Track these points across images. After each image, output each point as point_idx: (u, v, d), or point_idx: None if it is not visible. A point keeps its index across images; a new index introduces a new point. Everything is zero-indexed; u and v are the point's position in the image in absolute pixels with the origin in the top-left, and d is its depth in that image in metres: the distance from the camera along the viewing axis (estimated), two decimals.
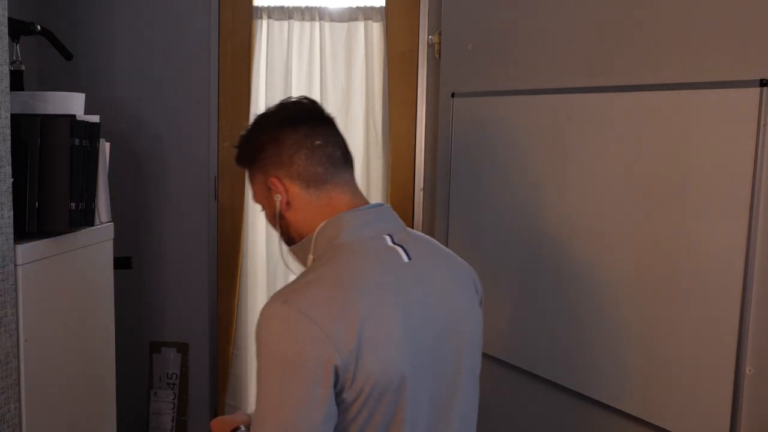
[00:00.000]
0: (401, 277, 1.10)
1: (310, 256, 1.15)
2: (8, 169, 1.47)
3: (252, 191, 1.24)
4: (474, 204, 2.09)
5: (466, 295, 1.21)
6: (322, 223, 1.14)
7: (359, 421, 1.03)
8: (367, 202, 1.19)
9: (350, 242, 1.11)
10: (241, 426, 1.25)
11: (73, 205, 1.64)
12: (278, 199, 1.16)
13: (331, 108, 2.55)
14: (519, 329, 1.94)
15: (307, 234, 1.16)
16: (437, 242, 1.25)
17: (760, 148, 1.40)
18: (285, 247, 1.23)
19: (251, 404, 2.68)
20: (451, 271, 1.21)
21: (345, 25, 2.56)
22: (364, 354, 1.00)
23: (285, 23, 2.56)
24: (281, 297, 1.03)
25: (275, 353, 0.99)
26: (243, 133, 1.23)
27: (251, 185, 1.23)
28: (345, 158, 1.20)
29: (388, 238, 1.14)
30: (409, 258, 1.13)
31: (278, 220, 1.18)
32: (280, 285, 2.59)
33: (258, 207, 1.25)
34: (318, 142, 1.16)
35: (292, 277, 1.11)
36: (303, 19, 2.57)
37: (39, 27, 1.93)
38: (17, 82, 1.84)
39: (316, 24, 2.56)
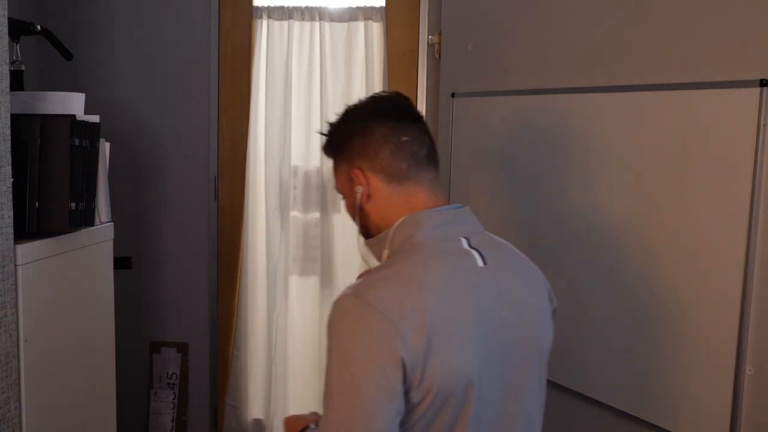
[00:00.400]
0: (474, 281, 1.09)
1: (386, 251, 1.16)
2: (8, 169, 1.47)
3: (335, 180, 1.25)
4: (474, 204, 2.07)
5: (539, 304, 1.20)
6: (400, 220, 1.15)
7: (423, 423, 1.03)
8: (446, 203, 1.20)
9: (426, 242, 1.11)
10: (311, 424, 1.25)
11: (73, 205, 1.64)
12: (359, 190, 1.17)
13: (331, 108, 2.57)
14: None
15: (385, 228, 1.17)
16: (514, 248, 1.24)
17: (760, 148, 1.40)
18: (362, 240, 1.24)
19: (251, 404, 2.68)
20: (527, 278, 1.20)
21: (345, 25, 2.56)
22: (432, 355, 1.00)
23: (285, 23, 2.56)
24: (354, 291, 1.04)
25: (346, 348, 1.00)
26: (331, 122, 1.24)
27: (335, 174, 1.24)
28: (429, 157, 1.22)
29: (464, 241, 1.14)
30: (485, 263, 1.12)
31: (358, 212, 1.20)
32: (280, 285, 2.59)
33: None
34: (405, 139, 1.18)
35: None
36: (303, 19, 2.57)
37: (39, 27, 1.93)
38: (17, 82, 1.84)
39: (316, 24, 2.56)
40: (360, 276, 1.19)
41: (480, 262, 1.12)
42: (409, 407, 1.02)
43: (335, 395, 1.00)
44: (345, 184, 1.21)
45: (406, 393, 1.00)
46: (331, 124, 1.24)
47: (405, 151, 1.17)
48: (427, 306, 1.01)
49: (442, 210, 1.16)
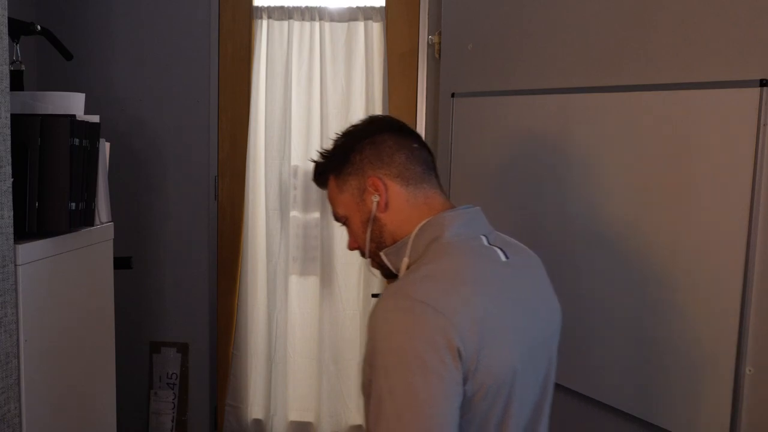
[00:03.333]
0: (506, 275, 1.13)
1: (406, 259, 1.15)
2: (8, 169, 1.47)
3: (336, 203, 1.24)
4: (473, 203, 2.09)
5: (551, 290, 1.25)
6: (422, 223, 1.15)
7: (478, 416, 1.04)
8: (455, 206, 1.22)
9: (454, 242, 1.12)
10: None
11: (73, 205, 1.64)
12: (375, 200, 1.17)
13: (331, 108, 2.57)
14: None
15: (402, 237, 1.17)
16: (521, 243, 1.28)
17: (760, 148, 1.40)
18: (368, 260, 1.24)
19: (251, 404, 2.68)
20: (537, 267, 1.25)
21: (345, 25, 2.56)
22: (485, 347, 1.01)
23: (285, 23, 2.56)
24: (398, 292, 1.03)
25: (403, 345, 0.99)
26: (327, 147, 1.24)
27: (336, 196, 1.23)
28: (434, 166, 1.25)
29: (484, 239, 1.16)
30: (507, 257, 1.15)
31: (371, 225, 1.19)
32: (280, 285, 2.60)
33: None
34: (415, 145, 1.21)
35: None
36: (303, 19, 2.57)
37: (39, 27, 1.93)
38: (17, 82, 1.84)
39: (316, 24, 2.56)
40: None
41: (503, 258, 1.15)
42: (464, 400, 1.01)
43: (398, 396, 0.97)
44: (352, 201, 1.21)
45: (462, 384, 1.00)
46: (332, 146, 1.24)
47: (418, 157, 1.20)
48: (475, 299, 1.03)
49: (461, 210, 1.18)
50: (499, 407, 1.05)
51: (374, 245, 1.21)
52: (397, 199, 1.18)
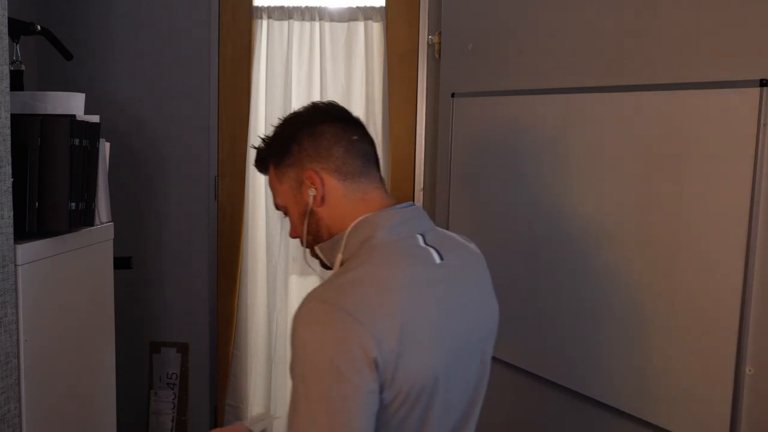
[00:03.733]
0: (436, 278, 1.11)
1: (340, 255, 1.14)
2: (8, 169, 1.47)
3: (276, 192, 1.22)
4: (474, 204, 2.09)
5: (489, 290, 1.23)
6: (356, 221, 1.13)
7: (395, 422, 1.04)
8: (397, 202, 1.19)
9: (387, 242, 1.10)
10: None
11: (73, 205, 1.64)
12: (312, 193, 1.15)
13: None
14: (518, 329, 1.94)
15: (338, 232, 1.16)
16: (460, 237, 1.25)
17: (760, 148, 1.40)
18: (308, 251, 1.23)
19: (251, 404, 2.68)
20: (475, 266, 1.22)
21: (345, 25, 2.56)
22: (404, 355, 1.00)
23: (285, 23, 2.56)
24: (320, 297, 1.02)
25: (319, 353, 0.98)
26: (268, 134, 1.22)
27: (276, 185, 1.21)
28: (375, 158, 1.21)
29: (420, 238, 1.14)
30: (441, 258, 1.13)
31: (307, 218, 1.17)
32: (280, 285, 2.59)
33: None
34: (355, 137, 1.18)
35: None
36: (303, 19, 2.57)
37: (39, 27, 1.93)
38: (17, 82, 1.84)
39: (316, 24, 2.56)
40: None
41: (437, 259, 1.13)
42: (381, 406, 1.01)
43: (313, 403, 0.97)
44: (291, 192, 1.19)
45: (379, 393, 1.00)
46: (272, 133, 1.21)
47: (357, 149, 1.17)
48: (397, 307, 1.02)
49: (398, 209, 1.16)
50: (419, 412, 1.05)
51: (311, 238, 1.20)
52: (334, 193, 1.15)
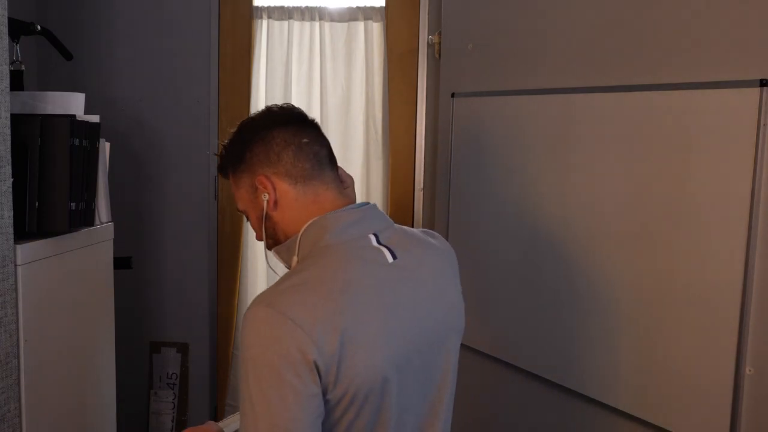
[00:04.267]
0: (386, 278, 1.11)
1: (295, 257, 1.15)
2: (8, 169, 1.47)
3: (236, 197, 1.25)
4: (474, 204, 2.09)
5: (452, 286, 1.23)
6: (307, 224, 1.15)
7: (344, 423, 1.05)
8: (352, 201, 1.21)
9: (335, 244, 1.11)
10: None
11: (73, 205, 1.64)
12: (265, 198, 1.18)
13: (331, 108, 2.57)
14: (518, 329, 1.94)
15: (293, 234, 1.17)
16: (417, 232, 1.25)
17: (760, 148, 1.40)
18: (270, 252, 1.24)
19: None
20: (436, 263, 1.22)
21: (345, 25, 2.56)
22: (346, 358, 1.01)
23: (285, 23, 2.56)
24: (265, 300, 1.03)
25: (261, 356, 1.00)
26: (226, 140, 1.24)
27: (235, 190, 1.24)
28: (330, 158, 1.22)
29: (373, 238, 1.15)
30: (395, 257, 1.14)
31: (264, 222, 1.20)
32: None
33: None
34: (305, 140, 1.19)
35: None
36: (303, 19, 2.57)
37: (39, 27, 1.93)
38: (17, 82, 1.84)
39: (316, 24, 2.56)
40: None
41: (390, 258, 1.13)
42: (328, 408, 1.03)
43: (255, 405, 0.99)
44: (248, 197, 1.21)
45: (323, 395, 1.01)
46: (228, 140, 1.24)
47: (307, 152, 1.18)
48: (339, 309, 1.02)
49: (347, 210, 1.17)
50: (369, 415, 1.05)
51: (271, 241, 1.22)
52: (286, 197, 1.17)
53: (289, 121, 1.21)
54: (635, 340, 1.65)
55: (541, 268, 1.87)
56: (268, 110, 1.23)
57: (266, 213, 1.19)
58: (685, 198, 1.53)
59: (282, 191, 1.17)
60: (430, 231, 1.29)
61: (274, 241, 1.22)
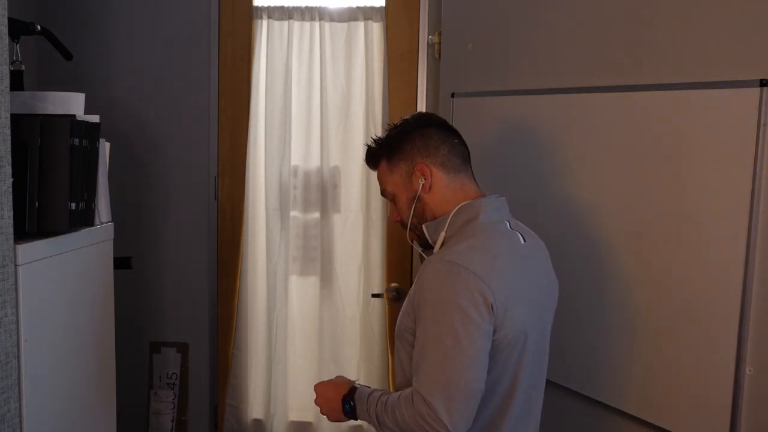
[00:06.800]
0: (524, 254, 1.42)
1: (443, 233, 1.40)
2: (8, 169, 1.47)
3: (386, 183, 1.50)
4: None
5: (553, 273, 1.52)
6: (460, 205, 1.41)
7: (500, 361, 1.32)
8: (486, 194, 1.47)
9: (488, 223, 1.39)
10: (356, 383, 1.45)
11: (73, 205, 1.64)
12: (421, 182, 1.44)
13: (331, 108, 2.57)
14: None
15: (441, 214, 1.43)
16: (528, 228, 1.52)
17: (760, 148, 1.40)
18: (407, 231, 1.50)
19: (252, 404, 2.68)
20: (544, 250, 1.52)
21: (345, 25, 2.56)
22: (510, 308, 1.30)
23: (285, 23, 2.56)
24: (444, 258, 1.31)
25: (449, 299, 1.26)
26: (381, 135, 1.51)
27: (387, 176, 1.49)
28: (469, 160, 1.51)
29: (507, 224, 1.44)
30: (524, 241, 1.44)
31: (415, 203, 1.45)
32: (280, 285, 2.59)
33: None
34: (456, 141, 1.48)
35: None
36: (303, 19, 2.57)
37: (39, 27, 1.93)
38: (17, 82, 1.84)
39: (316, 24, 2.56)
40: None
41: (522, 240, 1.43)
42: (492, 348, 1.29)
43: (445, 338, 1.25)
44: (401, 182, 1.47)
45: (492, 334, 1.29)
46: (385, 134, 1.50)
47: (457, 150, 1.47)
48: (505, 269, 1.33)
49: (493, 198, 1.45)
50: (515, 357, 1.34)
51: (416, 219, 1.47)
52: (439, 183, 1.44)
53: (441, 124, 1.49)
54: (635, 340, 1.65)
55: None
56: (421, 114, 1.56)
57: (419, 195, 1.44)
58: (685, 198, 1.53)
59: (437, 178, 1.44)
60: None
61: (419, 219, 1.46)
